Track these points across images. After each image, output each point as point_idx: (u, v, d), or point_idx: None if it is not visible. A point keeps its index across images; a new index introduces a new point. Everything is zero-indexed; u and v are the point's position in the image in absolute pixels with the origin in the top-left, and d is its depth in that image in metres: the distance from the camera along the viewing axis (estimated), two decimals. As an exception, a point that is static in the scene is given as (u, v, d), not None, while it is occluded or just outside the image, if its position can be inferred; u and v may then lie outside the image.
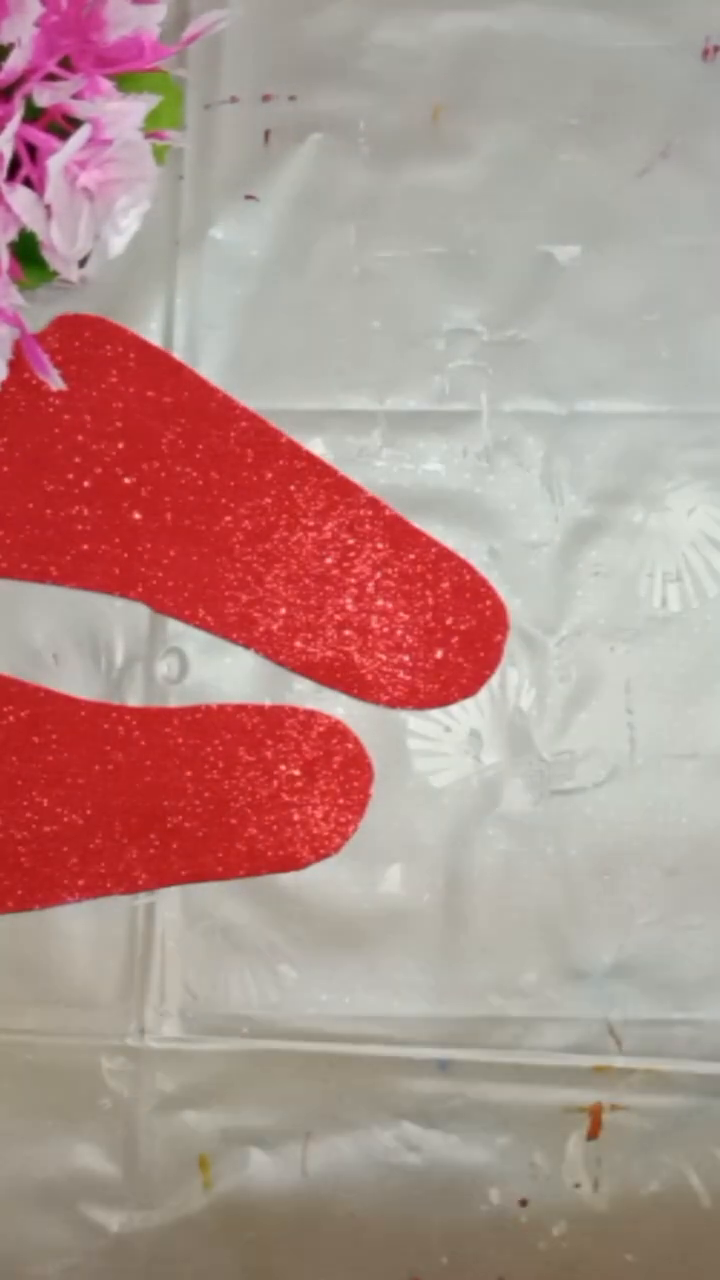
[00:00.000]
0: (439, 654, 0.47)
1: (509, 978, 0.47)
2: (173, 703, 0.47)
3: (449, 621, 0.47)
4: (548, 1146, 0.47)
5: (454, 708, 0.48)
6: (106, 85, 0.41)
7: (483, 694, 0.48)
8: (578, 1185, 0.46)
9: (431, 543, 0.48)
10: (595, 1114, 0.46)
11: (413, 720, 0.48)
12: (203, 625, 0.48)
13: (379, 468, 0.49)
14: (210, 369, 0.49)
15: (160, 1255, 0.47)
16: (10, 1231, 0.47)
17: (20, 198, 0.40)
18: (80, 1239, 0.47)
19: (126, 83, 0.42)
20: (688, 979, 0.47)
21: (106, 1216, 0.47)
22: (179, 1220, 0.47)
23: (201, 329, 0.49)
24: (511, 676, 0.48)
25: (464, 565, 0.48)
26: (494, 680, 0.48)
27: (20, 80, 0.40)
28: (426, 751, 0.48)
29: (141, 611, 0.48)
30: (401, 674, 0.47)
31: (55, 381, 0.45)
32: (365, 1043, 0.47)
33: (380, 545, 0.48)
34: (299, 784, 0.47)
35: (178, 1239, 0.47)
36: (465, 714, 0.48)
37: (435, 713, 0.48)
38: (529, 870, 0.47)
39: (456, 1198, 0.46)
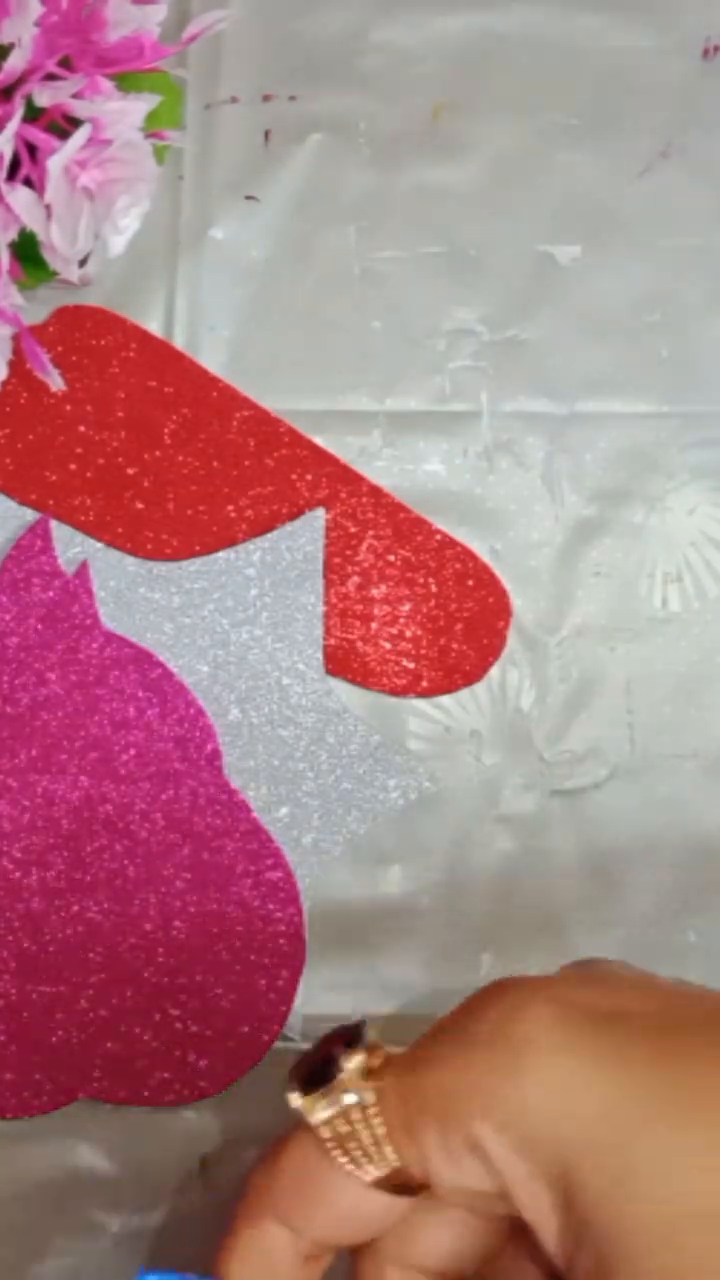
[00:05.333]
0: (442, 641, 0.47)
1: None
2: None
3: (452, 608, 0.47)
4: (548, 1146, 0.46)
5: (454, 708, 0.48)
6: (106, 85, 0.41)
7: (483, 694, 0.48)
8: (578, 1185, 0.46)
9: (434, 530, 0.48)
10: (595, 1114, 0.46)
11: (413, 720, 0.48)
12: (205, 618, 0.48)
13: (379, 468, 0.49)
14: (210, 368, 0.49)
15: (160, 1255, 0.46)
16: (10, 1231, 0.47)
17: (20, 198, 0.40)
18: (80, 1239, 0.47)
19: (126, 83, 0.42)
20: (687, 979, 0.47)
21: (106, 1217, 0.47)
22: (179, 1221, 0.47)
23: (201, 329, 0.49)
24: (512, 676, 0.48)
25: (467, 552, 0.48)
26: (494, 680, 0.48)
27: (20, 80, 0.40)
28: (427, 753, 0.48)
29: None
30: (405, 661, 0.47)
31: (55, 381, 0.45)
32: (365, 1043, 0.47)
33: (382, 533, 0.48)
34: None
35: (177, 1240, 0.47)
36: (466, 714, 0.48)
37: (435, 713, 0.48)
38: (529, 870, 0.47)
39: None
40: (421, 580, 0.48)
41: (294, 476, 0.48)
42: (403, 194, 0.50)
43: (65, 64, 0.41)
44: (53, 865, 0.46)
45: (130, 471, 0.48)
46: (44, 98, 0.40)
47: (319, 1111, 0.30)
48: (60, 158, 0.39)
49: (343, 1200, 0.30)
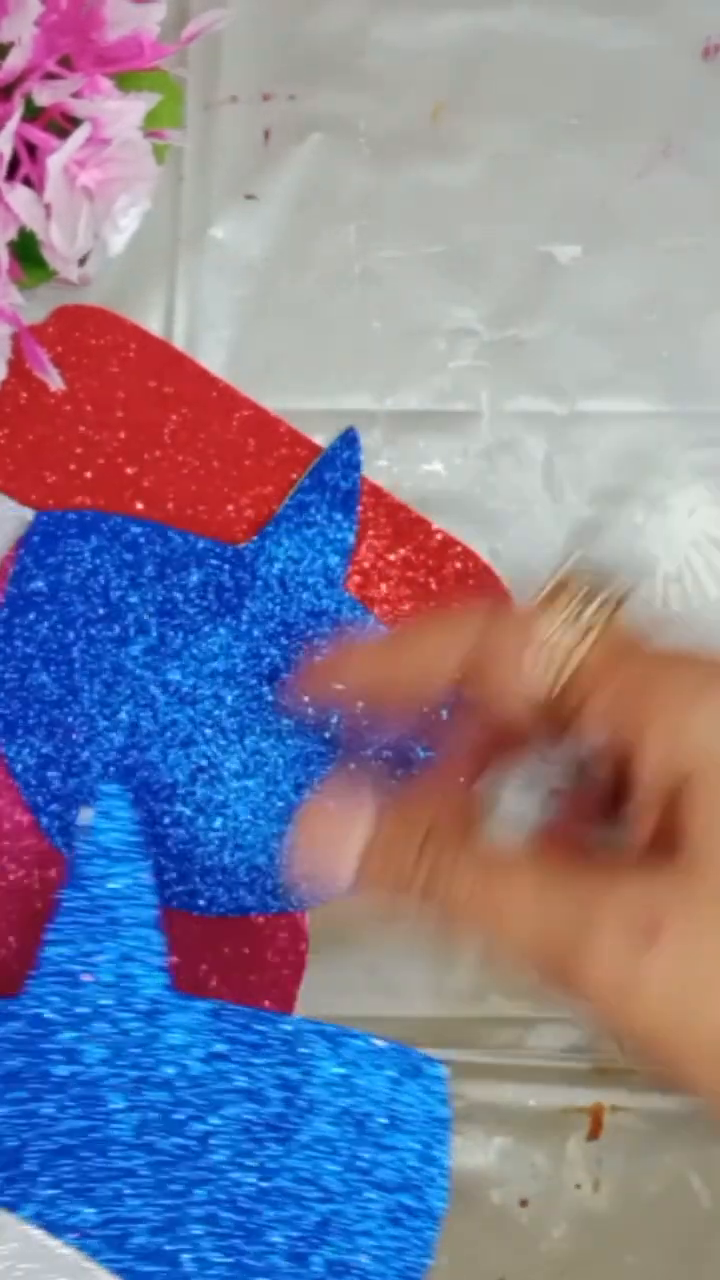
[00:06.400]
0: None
1: (509, 978, 0.47)
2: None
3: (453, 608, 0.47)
4: (548, 1147, 0.46)
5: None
6: (106, 84, 0.41)
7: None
8: (578, 1186, 0.46)
9: (434, 530, 0.48)
10: (596, 1115, 0.46)
11: (413, 720, 0.48)
12: (204, 620, 0.48)
13: (380, 467, 0.49)
14: (210, 368, 0.49)
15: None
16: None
17: (20, 197, 0.40)
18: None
19: (126, 82, 0.42)
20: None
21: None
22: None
23: (201, 328, 0.49)
24: (512, 676, 0.48)
25: (467, 552, 0.48)
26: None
27: (20, 79, 0.40)
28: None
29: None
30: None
31: (55, 381, 0.45)
32: (365, 1043, 0.47)
33: (382, 532, 0.48)
34: None
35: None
36: (466, 714, 0.48)
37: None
38: (529, 870, 0.47)
39: (457, 1198, 0.46)
40: (421, 580, 0.48)
41: (294, 476, 0.48)
42: (403, 194, 0.50)
43: (65, 63, 0.41)
44: (55, 864, 0.46)
45: (130, 471, 0.48)
46: (44, 97, 0.40)
47: (557, 611, 0.34)
48: (60, 157, 0.39)
49: (507, 663, 0.34)
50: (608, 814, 0.36)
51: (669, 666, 0.33)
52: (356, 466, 0.47)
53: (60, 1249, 0.36)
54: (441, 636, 0.36)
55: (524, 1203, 0.46)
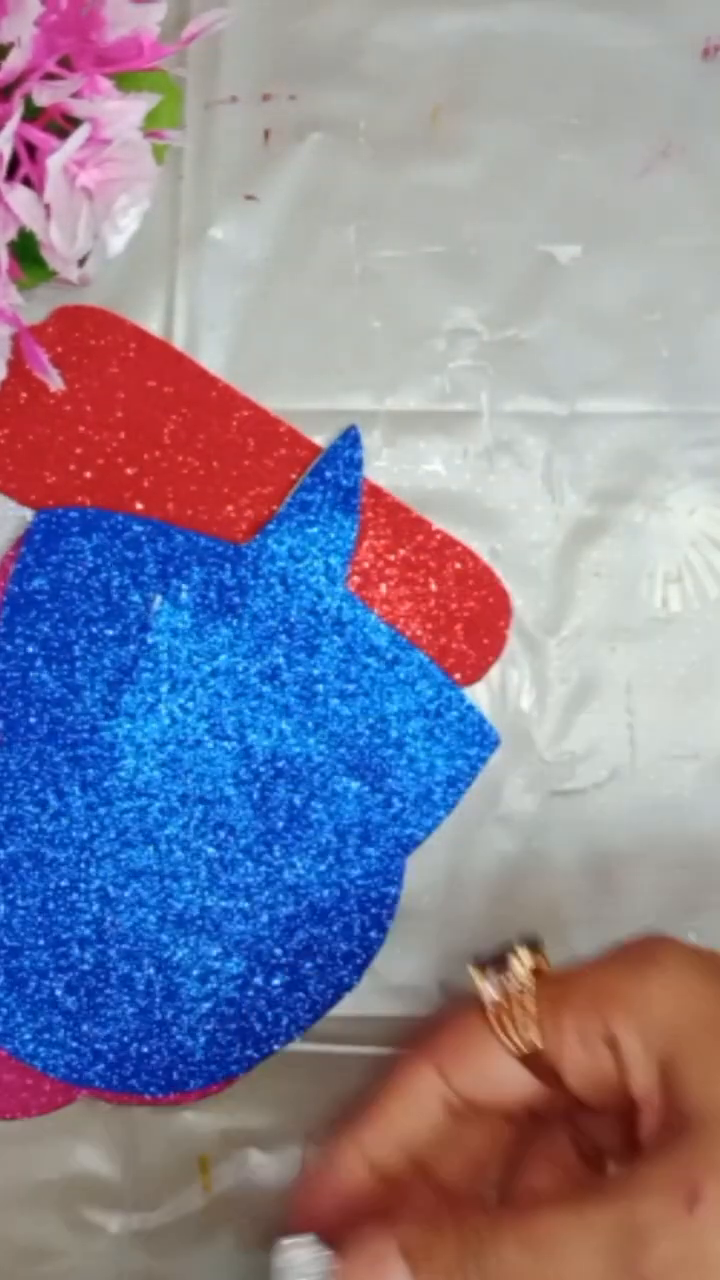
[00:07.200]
0: (442, 641, 0.47)
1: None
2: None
3: (452, 608, 0.47)
4: (548, 1147, 0.46)
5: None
6: (106, 84, 0.41)
7: (483, 694, 0.48)
8: (578, 1186, 0.46)
9: (434, 530, 0.48)
10: (595, 1115, 0.46)
11: (413, 720, 0.48)
12: (203, 623, 0.48)
13: (379, 468, 0.49)
14: (210, 368, 0.49)
15: (160, 1256, 0.46)
16: (10, 1232, 0.47)
17: (19, 197, 0.40)
18: (80, 1239, 0.47)
19: (126, 82, 0.42)
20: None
21: (106, 1217, 0.47)
22: (179, 1221, 0.47)
23: (201, 328, 0.49)
24: (512, 677, 0.48)
25: (466, 552, 0.48)
26: (494, 680, 0.48)
27: (20, 79, 0.40)
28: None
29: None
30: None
31: (55, 381, 0.45)
32: (365, 1043, 0.47)
33: (382, 533, 0.48)
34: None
35: (177, 1240, 0.47)
36: (465, 714, 0.48)
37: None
38: (529, 871, 0.47)
39: (456, 1198, 0.46)
40: (421, 580, 0.48)
41: (294, 476, 0.48)
42: (403, 194, 0.50)
43: (65, 63, 0.41)
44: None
45: (130, 471, 0.48)
46: (43, 97, 0.40)
47: (488, 986, 0.37)
48: (59, 157, 0.39)
49: (488, 1063, 0.36)
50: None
51: (604, 972, 0.36)
52: (358, 465, 0.47)
53: None
54: (414, 1108, 0.37)
55: (524, 1203, 0.46)
